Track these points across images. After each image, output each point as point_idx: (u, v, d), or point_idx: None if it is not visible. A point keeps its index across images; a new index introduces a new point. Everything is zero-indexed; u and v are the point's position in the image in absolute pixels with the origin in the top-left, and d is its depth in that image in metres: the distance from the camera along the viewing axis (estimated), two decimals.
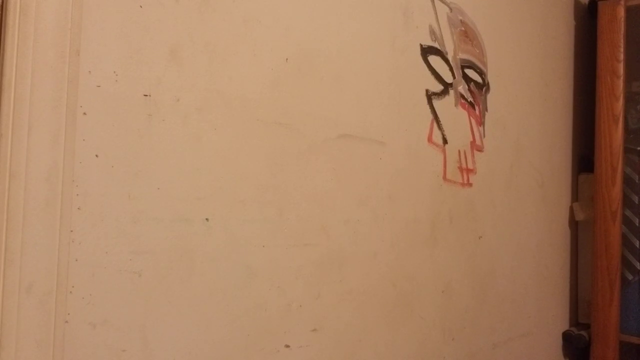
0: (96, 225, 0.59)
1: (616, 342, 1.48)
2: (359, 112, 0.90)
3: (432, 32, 1.06)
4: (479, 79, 1.19)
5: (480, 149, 1.20)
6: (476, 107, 1.19)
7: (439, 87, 1.07)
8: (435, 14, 1.07)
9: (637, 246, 1.49)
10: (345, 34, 0.88)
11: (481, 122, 1.21)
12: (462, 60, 1.13)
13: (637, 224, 1.49)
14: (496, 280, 1.27)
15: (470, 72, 1.16)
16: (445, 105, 1.09)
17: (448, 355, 1.10)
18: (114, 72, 0.61)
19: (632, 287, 1.50)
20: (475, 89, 1.19)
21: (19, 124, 0.53)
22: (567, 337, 1.56)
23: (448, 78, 1.10)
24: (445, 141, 1.08)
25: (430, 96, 1.04)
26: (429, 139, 1.04)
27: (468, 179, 1.16)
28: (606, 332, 1.48)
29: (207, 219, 0.69)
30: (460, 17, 1.14)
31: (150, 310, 0.63)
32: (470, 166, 1.16)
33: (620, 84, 1.50)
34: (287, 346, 0.78)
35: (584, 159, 1.66)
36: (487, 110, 1.23)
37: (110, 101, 0.60)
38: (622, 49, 1.50)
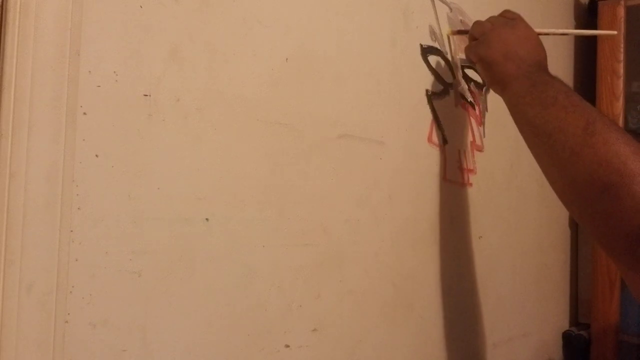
0: (96, 225, 0.59)
1: (616, 342, 1.48)
2: (359, 112, 0.90)
3: (432, 32, 1.06)
4: (479, 79, 1.18)
5: (480, 149, 1.20)
6: (476, 107, 1.19)
7: (439, 87, 1.07)
8: (436, 14, 1.07)
9: None
10: (345, 34, 0.88)
11: (481, 122, 1.21)
12: (462, 60, 1.13)
13: None
14: (496, 280, 1.27)
15: (470, 72, 1.16)
16: (445, 105, 1.09)
17: (448, 355, 1.10)
18: (114, 72, 0.61)
19: None
20: (475, 89, 1.19)
21: (19, 124, 0.53)
22: (567, 337, 1.56)
23: (448, 78, 1.10)
24: (445, 141, 1.08)
25: (430, 96, 1.04)
26: (429, 139, 1.04)
27: (468, 179, 1.16)
28: (606, 332, 1.48)
29: (207, 219, 0.69)
30: (460, 17, 1.14)
31: (150, 310, 0.63)
32: (470, 166, 1.16)
33: (620, 84, 1.50)
34: (287, 346, 0.78)
35: None
36: (487, 110, 1.23)
37: (110, 101, 0.60)
38: (622, 49, 1.49)
